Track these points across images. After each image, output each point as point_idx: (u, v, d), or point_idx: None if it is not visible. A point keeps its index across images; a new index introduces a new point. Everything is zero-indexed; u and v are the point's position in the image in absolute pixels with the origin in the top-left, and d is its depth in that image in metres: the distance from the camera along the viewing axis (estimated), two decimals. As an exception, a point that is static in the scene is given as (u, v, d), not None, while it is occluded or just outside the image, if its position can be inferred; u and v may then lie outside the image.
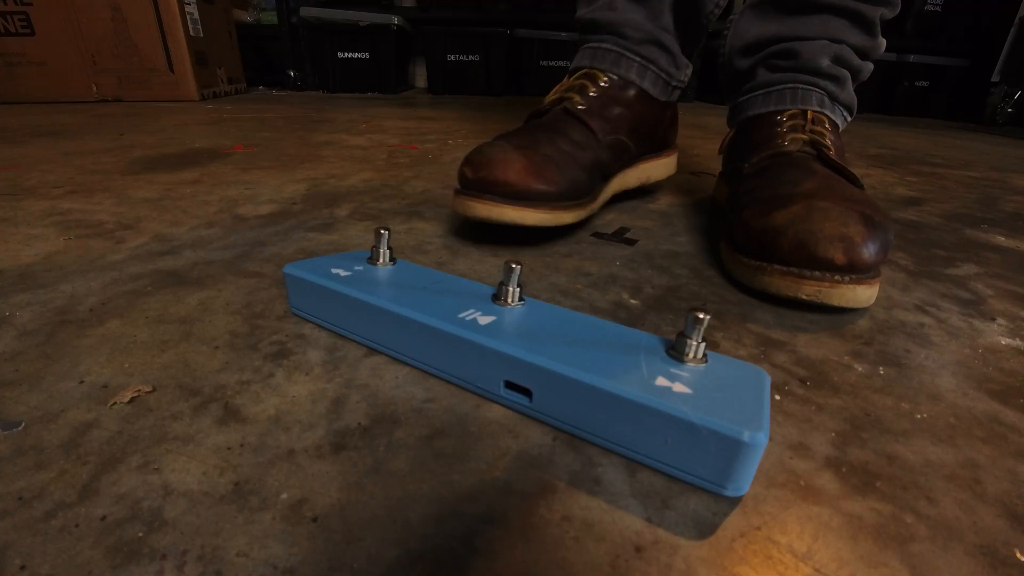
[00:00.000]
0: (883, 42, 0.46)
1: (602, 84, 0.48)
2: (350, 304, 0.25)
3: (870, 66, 0.46)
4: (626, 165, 0.52)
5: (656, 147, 0.56)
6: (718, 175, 0.58)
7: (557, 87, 0.50)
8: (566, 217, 0.41)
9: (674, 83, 0.52)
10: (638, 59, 0.48)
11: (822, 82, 0.45)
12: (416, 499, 0.17)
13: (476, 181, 0.38)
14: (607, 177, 0.49)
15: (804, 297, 0.31)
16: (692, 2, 0.49)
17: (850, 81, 0.46)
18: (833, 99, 0.45)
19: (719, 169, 0.58)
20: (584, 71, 0.49)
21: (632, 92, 0.49)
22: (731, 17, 0.52)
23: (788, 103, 0.45)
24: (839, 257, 0.30)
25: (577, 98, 0.46)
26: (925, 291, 0.37)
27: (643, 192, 0.62)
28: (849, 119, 0.48)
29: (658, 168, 0.58)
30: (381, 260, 0.29)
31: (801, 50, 0.45)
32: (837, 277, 0.30)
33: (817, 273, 0.31)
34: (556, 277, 0.36)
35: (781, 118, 0.44)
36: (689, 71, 0.53)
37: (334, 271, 0.27)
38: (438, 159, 0.77)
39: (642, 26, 0.48)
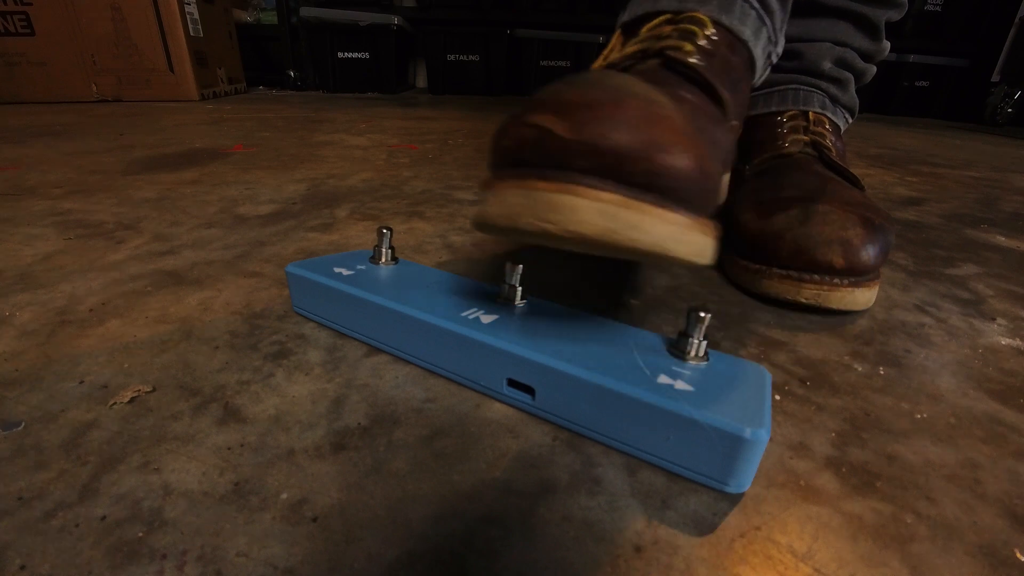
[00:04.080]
0: (887, 45, 0.46)
1: (712, 37, 0.28)
2: (353, 303, 0.25)
3: (873, 69, 0.46)
4: None
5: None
6: None
7: (619, 42, 0.30)
8: (709, 248, 0.20)
9: (773, 58, 0.33)
10: (756, 5, 0.30)
11: (823, 84, 0.45)
12: (416, 499, 0.17)
13: (582, 147, 0.17)
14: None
15: (803, 300, 0.31)
16: None
17: (853, 84, 0.46)
18: (835, 101, 0.45)
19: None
20: (670, 16, 0.29)
21: (743, 59, 0.30)
22: None
23: (789, 103, 0.45)
24: (838, 260, 0.30)
25: (688, 47, 0.27)
26: (925, 291, 0.37)
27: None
28: (850, 121, 0.48)
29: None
30: (383, 259, 0.29)
31: (804, 51, 0.45)
32: (836, 280, 0.30)
33: (816, 276, 0.31)
34: (556, 277, 0.36)
35: (781, 118, 0.44)
36: (780, 51, 0.34)
37: (336, 270, 0.27)
38: (438, 159, 0.77)
39: None
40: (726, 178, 0.30)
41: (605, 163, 0.16)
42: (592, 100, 0.17)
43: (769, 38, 0.32)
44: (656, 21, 0.29)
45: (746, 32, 0.29)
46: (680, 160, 0.17)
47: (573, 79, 0.19)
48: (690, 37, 0.28)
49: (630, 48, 0.28)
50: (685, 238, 0.18)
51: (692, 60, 0.26)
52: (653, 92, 0.19)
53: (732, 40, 0.29)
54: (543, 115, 0.17)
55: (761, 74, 0.34)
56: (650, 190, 0.17)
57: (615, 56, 0.29)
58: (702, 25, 0.28)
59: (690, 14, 0.29)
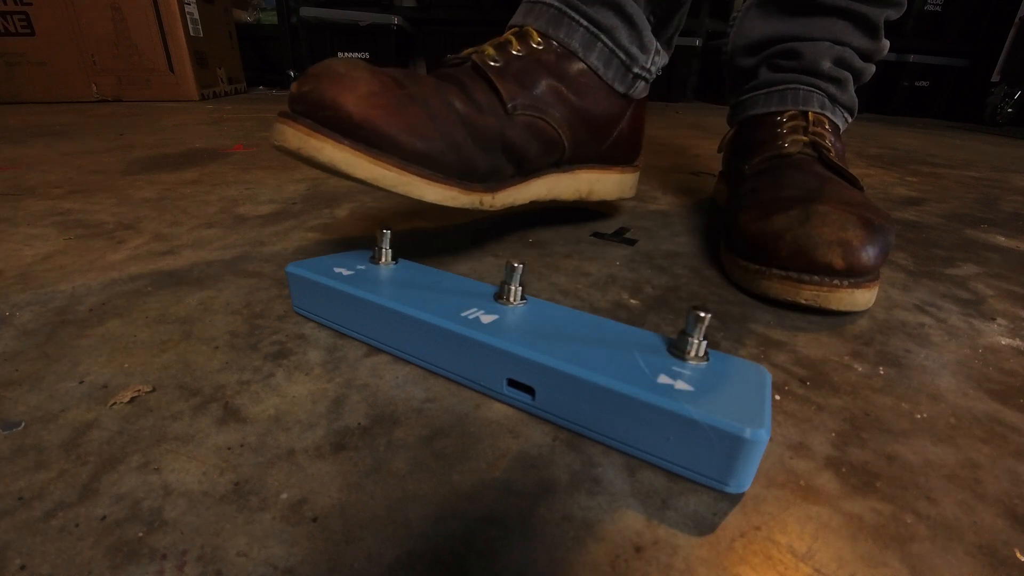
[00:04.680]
0: (887, 44, 0.46)
1: (534, 46, 0.36)
2: (353, 303, 0.25)
3: (872, 68, 0.46)
4: (557, 166, 0.40)
5: (607, 156, 0.43)
6: (718, 175, 0.58)
7: (492, 40, 0.38)
8: (428, 191, 0.29)
9: (636, 69, 0.40)
10: (585, 23, 0.37)
11: (823, 84, 0.45)
12: (416, 499, 0.17)
13: (299, 98, 0.27)
14: (526, 172, 0.38)
15: (803, 301, 0.31)
16: None
17: (852, 83, 0.46)
18: (834, 101, 0.45)
19: (719, 169, 0.58)
20: (516, 28, 0.38)
21: (573, 67, 0.38)
22: (735, 15, 0.52)
23: (789, 104, 0.45)
24: (838, 262, 0.30)
25: (492, 52, 0.35)
26: (925, 291, 0.37)
27: (640, 193, 0.62)
28: (850, 120, 0.48)
29: (606, 183, 0.43)
30: (383, 259, 0.29)
31: (804, 51, 0.45)
32: (836, 282, 0.30)
33: (816, 278, 0.31)
34: (556, 277, 0.36)
35: (781, 119, 0.44)
36: (661, 60, 0.42)
37: (336, 270, 0.27)
38: (438, 159, 0.77)
39: None
40: (542, 178, 0.39)
41: (308, 108, 0.27)
42: (313, 72, 0.27)
43: (612, 52, 0.39)
44: (508, 32, 0.38)
45: (573, 44, 0.37)
46: (350, 110, 0.26)
47: (326, 60, 0.28)
48: (503, 46, 0.36)
49: (467, 51, 0.36)
50: (356, 163, 0.27)
51: (490, 63, 0.35)
52: (356, 71, 0.28)
53: (561, 50, 0.37)
54: (296, 80, 0.28)
55: (631, 85, 0.41)
56: (330, 127, 0.27)
57: (467, 51, 0.37)
58: (527, 38, 0.37)
59: (525, 27, 0.37)
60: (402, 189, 0.29)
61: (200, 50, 1.48)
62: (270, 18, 2.09)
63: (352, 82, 0.27)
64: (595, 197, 0.44)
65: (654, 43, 0.41)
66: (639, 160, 0.47)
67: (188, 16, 1.41)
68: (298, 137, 0.26)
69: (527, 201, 0.39)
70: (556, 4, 0.37)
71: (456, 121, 0.31)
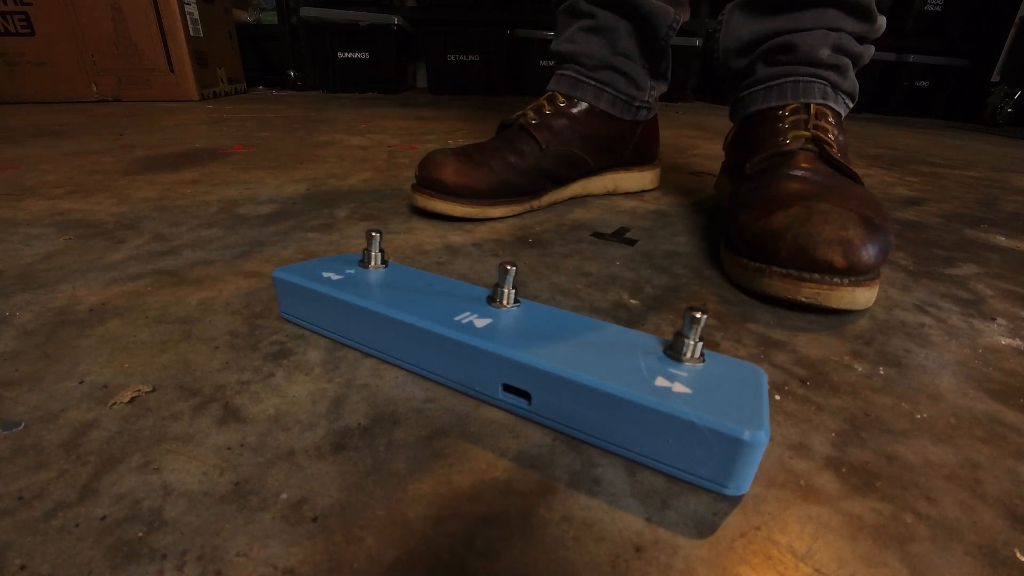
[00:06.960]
0: (883, 21, 0.45)
1: (559, 104, 0.54)
2: (342, 308, 0.25)
3: (871, 49, 0.46)
4: (587, 175, 0.58)
5: (627, 161, 0.60)
6: (720, 169, 0.58)
7: (531, 104, 0.58)
8: (493, 212, 0.49)
9: (637, 103, 0.56)
10: (593, 83, 0.54)
11: (824, 72, 0.44)
12: (416, 499, 0.17)
13: (420, 177, 0.48)
14: (561, 182, 0.55)
15: (803, 299, 0.31)
16: (648, 28, 0.53)
17: (852, 68, 0.45)
18: (836, 88, 0.45)
19: (719, 168, 0.58)
20: (549, 93, 0.57)
21: (587, 112, 0.55)
22: (720, 17, 0.51)
23: (789, 97, 0.44)
24: (838, 260, 0.30)
25: (531, 115, 0.54)
26: (925, 291, 0.37)
27: (642, 192, 0.62)
28: (851, 105, 0.47)
29: (628, 180, 0.61)
30: (373, 263, 0.28)
31: (799, 43, 0.44)
32: (836, 280, 0.30)
33: (816, 276, 0.31)
34: (556, 277, 0.36)
35: (783, 113, 0.44)
36: (657, 91, 0.58)
37: (325, 275, 0.27)
38: (438, 159, 0.76)
39: (597, 54, 0.54)
40: (575, 184, 0.58)
41: (425, 183, 0.48)
42: (425, 162, 0.48)
43: (616, 97, 0.55)
44: (542, 97, 0.56)
45: (587, 98, 0.55)
46: (445, 181, 0.47)
47: (433, 152, 0.49)
48: (539, 108, 0.54)
49: (516, 114, 0.55)
50: (455, 208, 0.47)
51: (532, 122, 0.53)
52: (450, 156, 0.48)
53: (579, 104, 0.55)
54: (418, 165, 0.49)
55: (635, 114, 0.57)
56: (439, 190, 0.47)
57: (519, 112, 0.55)
58: (555, 100, 0.55)
59: (554, 92, 0.55)
60: (481, 215, 0.49)
61: (200, 50, 1.48)
62: (270, 18, 2.08)
63: (445, 167, 0.47)
64: (620, 191, 0.62)
65: (648, 82, 0.56)
66: (658, 159, 0.64)
67: (188, 16, 1.41)
68: (423, 200, 0.48)
69: (566, 199, 0.58)
70: (572, 74, 0.55)
71: (509, 169, 0.50)
